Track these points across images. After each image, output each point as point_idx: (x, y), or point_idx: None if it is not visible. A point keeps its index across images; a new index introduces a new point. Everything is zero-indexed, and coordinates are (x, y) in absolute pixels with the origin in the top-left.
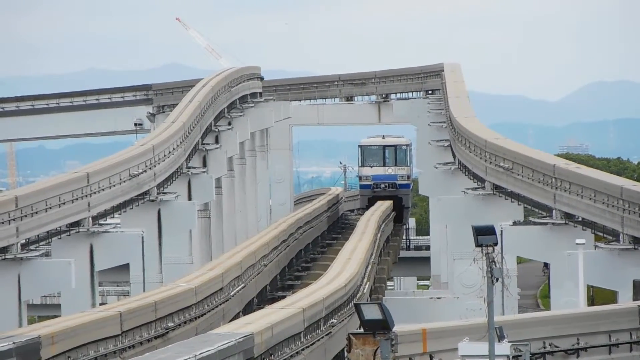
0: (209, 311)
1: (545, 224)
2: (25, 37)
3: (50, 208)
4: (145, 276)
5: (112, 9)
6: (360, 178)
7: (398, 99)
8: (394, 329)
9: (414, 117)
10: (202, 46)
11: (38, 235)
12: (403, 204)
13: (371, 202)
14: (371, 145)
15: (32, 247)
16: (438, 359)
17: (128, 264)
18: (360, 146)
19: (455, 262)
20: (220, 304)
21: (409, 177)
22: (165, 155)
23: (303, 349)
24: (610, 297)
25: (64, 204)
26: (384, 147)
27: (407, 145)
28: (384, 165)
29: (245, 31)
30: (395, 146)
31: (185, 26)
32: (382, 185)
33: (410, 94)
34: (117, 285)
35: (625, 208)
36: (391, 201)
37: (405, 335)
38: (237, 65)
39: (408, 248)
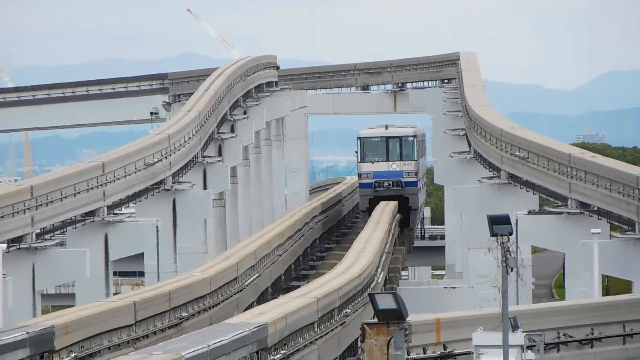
0: (223, 301)
1: (561, 213)
2: (40, 27)
3: (66, 197)
4: (159, 266)
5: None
6: (359, 175)
7: (414, 88)
8: (407, 319)
9: (430, 106)
10: (214, 37)
11: (53, 225)
12: (410, 205)
13: (373, 203)
14: (372, 137)
15: (47, 237)
16: (452, 348)
17: (142, 254)
18: (359, 138)
19: (470, 251)
20: (235, 294)
21: (416, 174)
22: (180, 145)
23: (317, 339)
24: (625, 287)
25: (79, 193)
26: (387, 138)
27: (413, 136)
28: (387, 160)
29: (258, 22)
30: (400, 138)
31: (197, 17)
32: (385, 184)
33: (426, 83)
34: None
35: None
36: (396, 202)
37: (419, 325)
38: (249, 56)
39: (423, 237)
